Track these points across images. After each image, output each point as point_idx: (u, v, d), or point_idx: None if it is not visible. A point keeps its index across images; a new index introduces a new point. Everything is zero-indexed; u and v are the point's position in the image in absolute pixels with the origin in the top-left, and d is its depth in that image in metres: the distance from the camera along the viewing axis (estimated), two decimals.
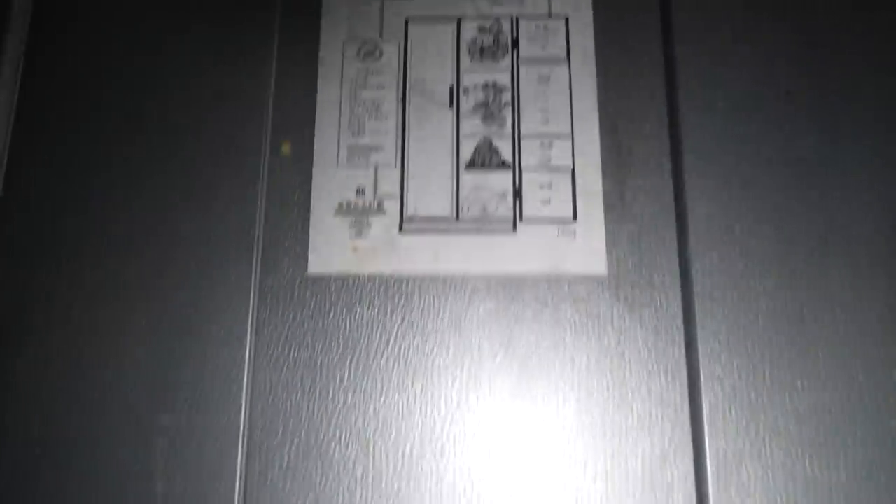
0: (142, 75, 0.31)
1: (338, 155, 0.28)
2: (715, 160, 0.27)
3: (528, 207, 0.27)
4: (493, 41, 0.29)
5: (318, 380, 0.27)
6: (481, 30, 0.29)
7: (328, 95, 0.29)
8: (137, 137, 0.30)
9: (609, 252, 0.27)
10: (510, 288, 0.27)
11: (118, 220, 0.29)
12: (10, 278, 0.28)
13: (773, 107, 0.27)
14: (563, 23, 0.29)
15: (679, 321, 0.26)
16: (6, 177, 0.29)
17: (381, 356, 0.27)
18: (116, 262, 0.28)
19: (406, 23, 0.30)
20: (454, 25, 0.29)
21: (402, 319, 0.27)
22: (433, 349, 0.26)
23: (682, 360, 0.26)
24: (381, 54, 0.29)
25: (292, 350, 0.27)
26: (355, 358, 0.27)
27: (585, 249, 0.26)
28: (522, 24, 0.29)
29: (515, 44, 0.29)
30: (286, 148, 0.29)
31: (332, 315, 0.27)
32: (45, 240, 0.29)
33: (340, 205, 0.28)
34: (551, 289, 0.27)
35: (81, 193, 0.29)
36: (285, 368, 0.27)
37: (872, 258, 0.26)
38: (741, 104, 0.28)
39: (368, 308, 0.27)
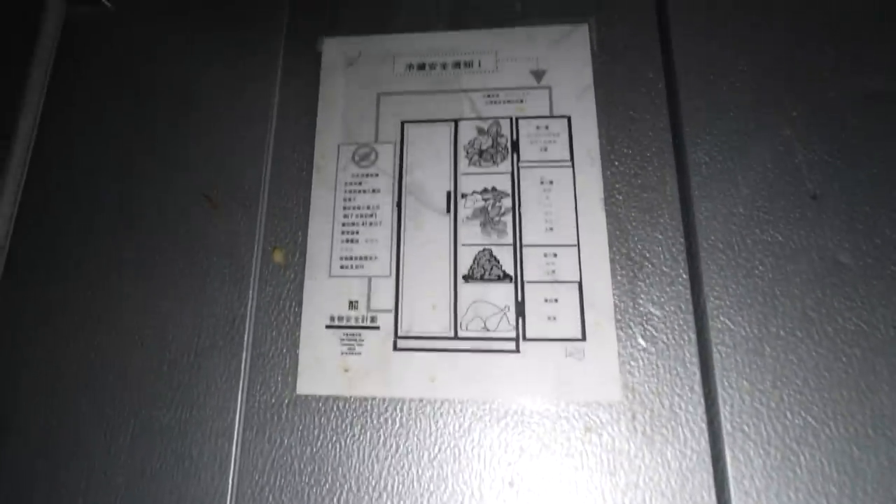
0: (140, 173, 0.30)
1: (330, 264, 0.27)
2: (737, 269, 0.24)
3: (532, 325, 0.24)
4: (492, 143, 0.27)
5: None
6: (479, 131, 0.28)
7: (322, 201, 0.28)
8: (132, 234, 0.29)
9: (623, 376, 0.24)
10: (514, 415, 0.24)
11: (106, 323, 0.27)
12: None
13: (798, 212, 0.25)
14: (565, 122, 0.27)
15: (707, 458, 0.22)
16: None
17: (373, 490, 0.24)
18: (102, 365, 0.26)
19: (402, 125, 0.28)
20: (451, 127, 0.28)
21: (396, 448, 0.24)
22: (429, 483, 0.24)
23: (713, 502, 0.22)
24: (376, 157, 0.28)
25: (278, 479, 0.24)
26: (345, 490, 0.24)
27: (596, 372, 0.24)
28: (522, 124, 0.28)
29: (515, 146, 0.27)
30: (278, 255, 0.27)
31: (320, 441, 0.25)
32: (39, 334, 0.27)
33: (332, 318, 0.26)
34: (560, 417, 0.24)
35: (80, 287, 0.28)
36: (270, 499, 0.24)
37: None
38: (762, 209, 0.25)
39: (360, 433, 0.25)
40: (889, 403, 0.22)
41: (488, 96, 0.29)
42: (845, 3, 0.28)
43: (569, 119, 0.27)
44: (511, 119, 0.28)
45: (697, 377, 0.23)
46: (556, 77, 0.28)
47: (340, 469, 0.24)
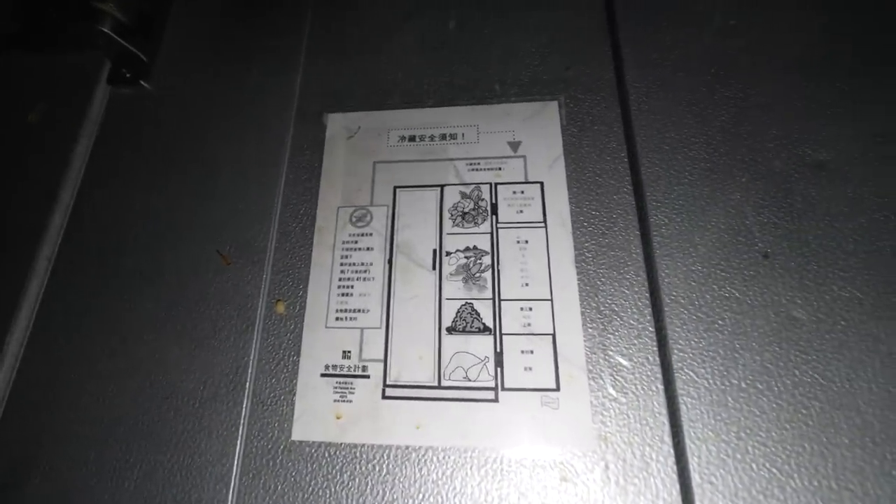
0: (162, 233, 0.30)
1: (327, 316, 0.27)
2: (698, 324, 0.24)
3: (510, 375, 0.24)
4: (474, 206, 0.28)
5: None
6: (462, 196, 0.29)
7: (322, 258, 0.28)
8: (152, 289, 0.29)
9: (596, 425, 0.23)
10: (494, 463, 0.23)
11: (121, 372, 0.27)
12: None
13: (752, 269, 0.24)
14: (538, 188, 0.28)
15: None
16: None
17: None
18: (115, 413, 0.26)
19: (394, 190, 0.29)
20: (438, 192, 0.29)
21: (383, 496, 0.23)
22: None
23: None
24: (371, 219, 0.29)
25: None
26: None
27: (570, 422, 0.23)
28: (501, 190, 0.28)
29: (494, 209, 0.28)
30: (281, 307, 0.28)
31: (312, 487, 0.24)
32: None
33: (327, 367, 0.26)
34: (537, 466, 0.23)
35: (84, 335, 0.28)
36: None
37: (884, 417, 0.21)
38: (719, 266, 0.25)
39: (349, 480, 0.24)
40: (850, 456, 0.21)
41: (470, 164, 0.29)
42: (788, 81, 0.29)
43: (542, 185, 0.28)
44: (491, 185, 0.29)
45: (667, 427, 0.23)
46: (530, 147, 0.29)
47: None
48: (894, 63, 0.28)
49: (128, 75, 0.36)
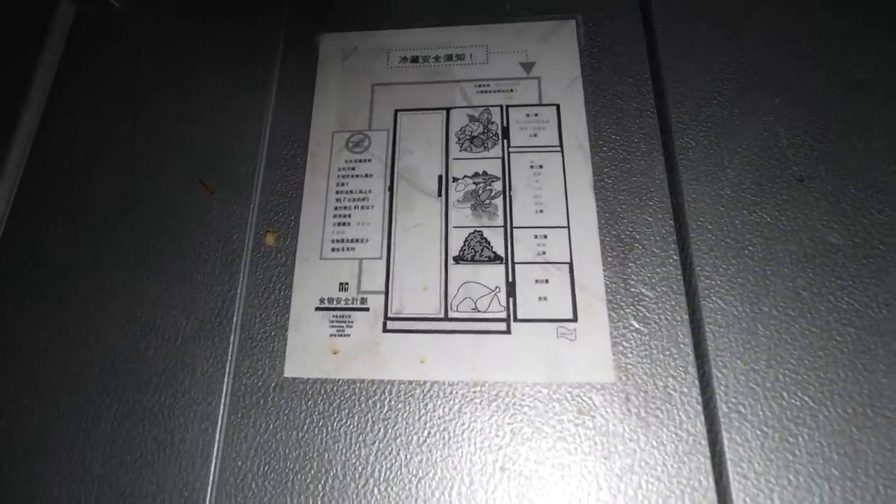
0: (138, 162, 0.27)
1: (321, 248, 0.24)
2: (727, 250, 0.22)
3: (524, 306, 0.22)
4: (483, 130, 0.25)
5: (288, 502, 0.21)
6: (470, 119, 0.26)
7: (315, 186, 0.25)
8: (128, 221, 0.26)
9: (616, 356, 0.21)
10: (505, 397, 0.21)
11: (96, 308, 0.24)
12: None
13: (786, 194, 0.22)
14: (554, 110, 0.25)
15: (704, 441, 0.20)
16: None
17: (360, 476, 0.21)
18: (87, 354, 0.23)
19: (395, 113, 0.26)
20: (443, 115, 0.26)
21: (384, 433, 0.21)
22: (418, 469, 0.21)
23: (711, 487, 0.19)
24: (369, 144, 0.26)
25: (262, 465, 0.21)
26: (330, 477, 0.21)
27: (588, 354, 0.21)
28: (512, 112, 0.26)
29: (506, 132, 0.25)
30: (270, 239, 0.25)
31: (307, 425, 0.22)
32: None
33: (322, 300, 0.23)
34: (552, 399, 0.21)
35: (67, 274, 0.25)
36: (253, 486, 0.21)
37: None
38: (749, 191, 0.23)
39: (347, 417, 0.22)
40: (887, 383, 0.19)
41: (479, 86, 0.27)
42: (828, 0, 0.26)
43: (557, 107, 0.26)
44: (501, 107, 0.26)
45: (691, 358, 0.21)
46: (544, 69, 0.27)
47: (326, 454, 0.21)
48: None
49: None
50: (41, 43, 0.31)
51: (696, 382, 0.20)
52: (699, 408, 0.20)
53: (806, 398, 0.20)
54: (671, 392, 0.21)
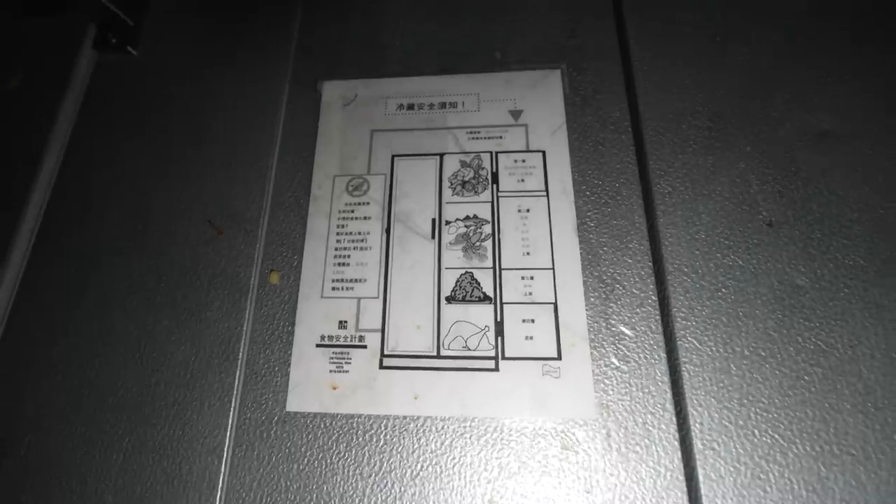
0: (152, 201, 0.29)
1: (323, 286, 0.25)
2: (702, 292, 0.23)
3: (511, 344, 0.23)
4: (474, 175, 0.27)
5: None
6: (462, 164, 0.27)
7: (317, 227, 0.27)
8: (141, 258, 0.27)
9: (598, 394, 0.22)
10: (494, 432, 0.22)
11: (109, 343, 0.25)
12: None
13: (756, 238, 0.24)
14: (540, 157, 0.27)
15: (681, 475, 0.21)
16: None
17: None
18: (101, 387, 0.24)
19: (392, 158, 0.28)
20: (437, 161, 0.27)
21: (380, 466, 0.22)
22: (411, 501, 0.22)
23: None
24: (368, 187, 0.27)
25: (265, 497, 0.23)
26: None
27: (572, 391, 0.22)
28: (502, 158, 0.27)
29: (495, 177, 0.27)
30: (275, 277, 0.26)
31: (307, 458, 0.23)
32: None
33: (322, 338, 0.24)
34: (537, 434, 0.22)
35: (82, 314, 0.26)
36: None
37: (886, 382, 0.20)
38: (722, 235, 0.24)
39: (345, 451, 0.23)
40: (852, 422, 0.20)
41: (471, 133, 0.28)
42: (794, 49, 0.28)
43: (543, 153, 0.27)
44: (491, 153, 0.27)
45: (668, 395, 0.22)
46: (532, 116, 0.28)
47: (325, 486, 0.22)
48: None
49: (114, 41, 0.34)
50: (64, 88, 0.33)
51: (674, 419, 0.21)
52: (676, 444, 0.21)
53: (776, 436, 0.21)
54: (650, 428, 0.22)
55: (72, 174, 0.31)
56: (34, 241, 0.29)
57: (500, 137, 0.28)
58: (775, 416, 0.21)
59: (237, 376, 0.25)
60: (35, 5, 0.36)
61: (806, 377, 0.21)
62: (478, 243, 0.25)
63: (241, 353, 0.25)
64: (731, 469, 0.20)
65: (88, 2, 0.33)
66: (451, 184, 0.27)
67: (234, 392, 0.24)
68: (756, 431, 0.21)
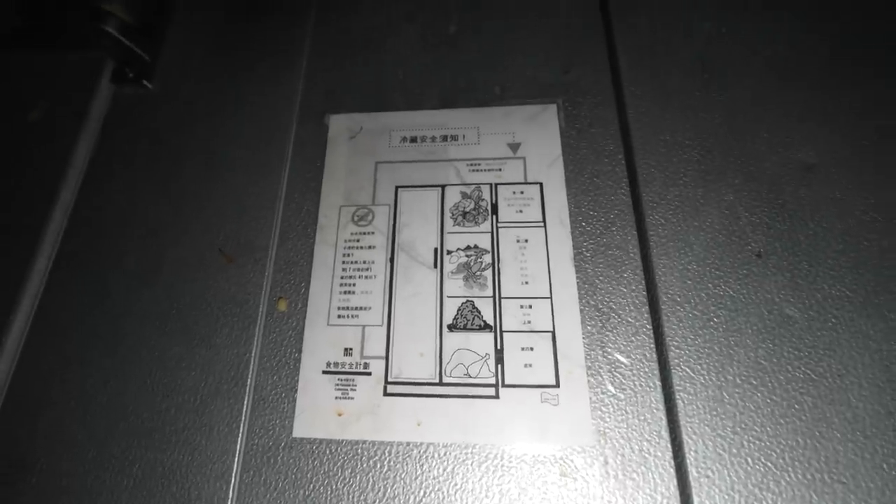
0: (164, 231, 0.30)
1: (329, 314, 0.26)
2: (694, 321, 0.24)
3: (511, 372, 0.24)
4: (475, 206, 0.28)
5: None
6: (463, 195, 0.28)
7: (324, 256, 0.28)
8: (152, 285, 0.28)
9: (595, 421, 0.23)
10: (494, 459, 0.23)
11: (120, 369, 0.26)
12: None
13: (746, 269, 0.24)
14: (538, 188, 0.28)
15: (677, 502, 0.21)
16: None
17: None
18: (113, 412, 0.25)
19: (396, 190, 0.29)
20: (439, 192, 0.28)
21: (384, 492, 0.23)
22: None
23: None
24: (373, 218, 0.28)
25: None
26: None
27: (570, 418, 0.23)
28: (501, 190, 0.28)
29: (495, 208, 0.28)
30: (283, 305, 0.27)
31: (313, 484, 0.23)
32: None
33: (328, 364, 0.25)
34: (537, 461, 0.22)
35: (98, 345, 0.27)
36: None
37: (874, 411, 0.21)
38: (713, 266, 0.25)
39: (350, 477, 0.23)
40: (842, 450, 0.21)
41: (471, 165, 0.29)
42: (778, 84, 0.29)
43: (541, 185, 0.28)
44: (491, 185, 0.28)
45: (664, 423, 0.22)
46: (529, 149, 0.29)
47: None
48: (877, 68, 0.29)
49: (131, 75, 0.35)
50: (82, 119, 0.34)
51: (669, 447, 0.22)
52: (672, 471, 0.21)
53: (769, 464, 0.21)
54: (646, 456, 0.22)
55: (88, 203, 0.32)
56: (51, 267, 0.30)
57: (500, 169, 0.29)
58: (767, 444, 0.21)
59: (245, 402, 0.25)
60: (55, 41, 0.37)
61: (797, 406, 0.22)
62: (478, 272, 0.26)
63: (249, 380, 0.26)
64: (727, 497, 0.21)
65: (109, 39, 0.34)
66: (453, 214, 0.28)
67: (242, 418, 0.25)
68: (749, 459, 0.21)
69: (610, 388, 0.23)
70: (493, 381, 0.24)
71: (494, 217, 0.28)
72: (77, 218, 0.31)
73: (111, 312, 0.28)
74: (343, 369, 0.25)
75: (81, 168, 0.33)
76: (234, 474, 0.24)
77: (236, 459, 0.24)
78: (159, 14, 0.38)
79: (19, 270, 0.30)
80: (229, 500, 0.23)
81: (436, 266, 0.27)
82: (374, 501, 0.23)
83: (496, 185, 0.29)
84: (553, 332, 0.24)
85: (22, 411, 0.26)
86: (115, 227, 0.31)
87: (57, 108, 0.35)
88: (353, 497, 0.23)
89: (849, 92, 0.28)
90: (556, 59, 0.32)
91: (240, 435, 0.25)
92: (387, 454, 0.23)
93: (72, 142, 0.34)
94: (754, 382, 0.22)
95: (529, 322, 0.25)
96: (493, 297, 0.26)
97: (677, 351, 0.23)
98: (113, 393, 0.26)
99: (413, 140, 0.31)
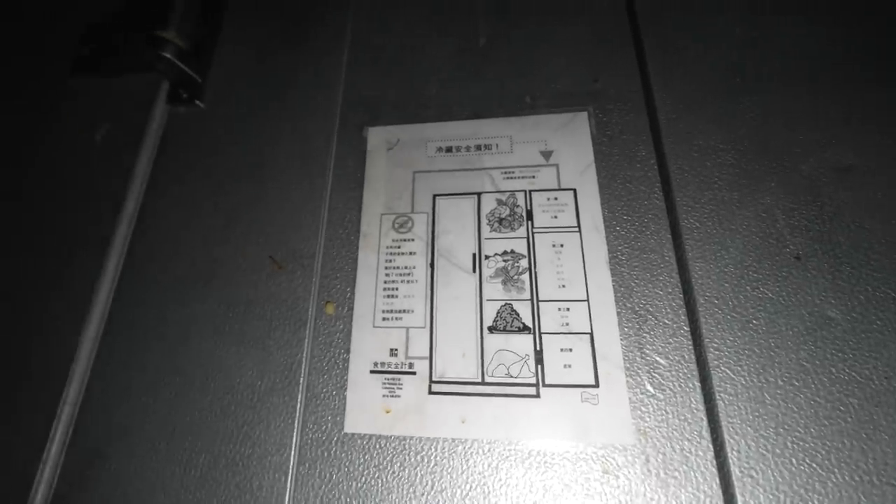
0: (218, 240, 0.32)
1: (374, 317, 0.27)
2: (733, 323, 0.24)
3: (551, 372, 0.24)
4: (510, 212, 0.29)
5: None
6: (499, 202, 0.29)
7: (367, 262, 0.29)
8: (209, 292, 0.30)
9: (635, 420, 0.23)
10: (537, 455, 0.23)
11: (183, 371, 0.28)
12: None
13: (785, 271, 0.24)
14: (571, 194, 0.29)
15: (720, 501, 0.21)
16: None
17: None
18: (180, 408, 0.27)
19: (434, 198, 0.30)
20: (475, 199, 0.29)
21: (432, 485, 0.24)
22: None
23: None
24: (412, 225, 0.30)
25: None
26: None
27: (610, 417, 0.23)
28: (535, 196, 0.29)
29: (530, 214, 0.28)
30: (330, 308, 0.29)
31: (365, 477, 0.24)
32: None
33: (375, 364, 0.26)
34: (579, 458, 0.23)
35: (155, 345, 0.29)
36: None
37: None
38: (751, 268, 0.25)
39: (399, 470, 0.24)
40: (891, 452, 0.21)
41: (505, 173, 0.30)
42: (814, 86, 0.29)
43: (574, 191, 0.29)
44: (525, 192, 0.29)
45: (705, 423, 0.23)
46: (562, 156, 0.30)
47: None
48: None
49: (184, 95, 0.38)
50: (141, 137, 0.37)
51: (710, 447, 0.22)
52: (714, 471, 0.22)
53: (814, 465, 0.21)
54: (687, 455, 0.22)
55: (150, 215, 0.34)
56: (118, 279, 0.32)
57: (533, 177, 0.30)
58: (812, 445, 0.21)
59: (299, 399, 0.27)
60: (117, 67, 0.40)
61: (842, 407, 0.22)
62: (515, 277, 0.27)
63: (301, 378, 0.27)
64: (771, 497, 0.21)
65: (165, 63, 0.37)
66: (489, 221, 0.29)
67: (297, 414, 0.26)
68: (794, 460, 0.21)
69: (649, 388, 0.24)
70: (533, 380, 0.25)
71: (530, 223, 0.29)
72: (140, 230, 0.34)
73: (173, 317, 0.30)
74: (389, 369, 0.26)
75: (142, 182, 0.36)
76: (291, 466, 0.25)
77: (292, 453, 0.26)
78: (208, 37, 0.40)
79: (92, 279, 0.32)
80: (288, 491, 0.25)
81: (474, 271, 0.28)
82: (423, 494, 0.24)
83: (530, 191, 0.29)
84: (591, 334, 0.25)
85: (99, 410, 0.28)
86: (174, 238, 0.33)
87: (120, 128, 0.38)
88: (402, 489, 0.24)
89: (885, 92, 0.28)
90: (585, 67, 0.33)
91: (295, 430, 0.26)
92: (433, 449, 0.25)
93: (134, 158, 0.37)
94: (797, 384, 0.22)
95: (567, 324, 0.25)
96: (531, 300, 0.26)
97: (717, 352, 0.24)
98: (179, 391, 0.28)
99: (448, 150, 0.32)
